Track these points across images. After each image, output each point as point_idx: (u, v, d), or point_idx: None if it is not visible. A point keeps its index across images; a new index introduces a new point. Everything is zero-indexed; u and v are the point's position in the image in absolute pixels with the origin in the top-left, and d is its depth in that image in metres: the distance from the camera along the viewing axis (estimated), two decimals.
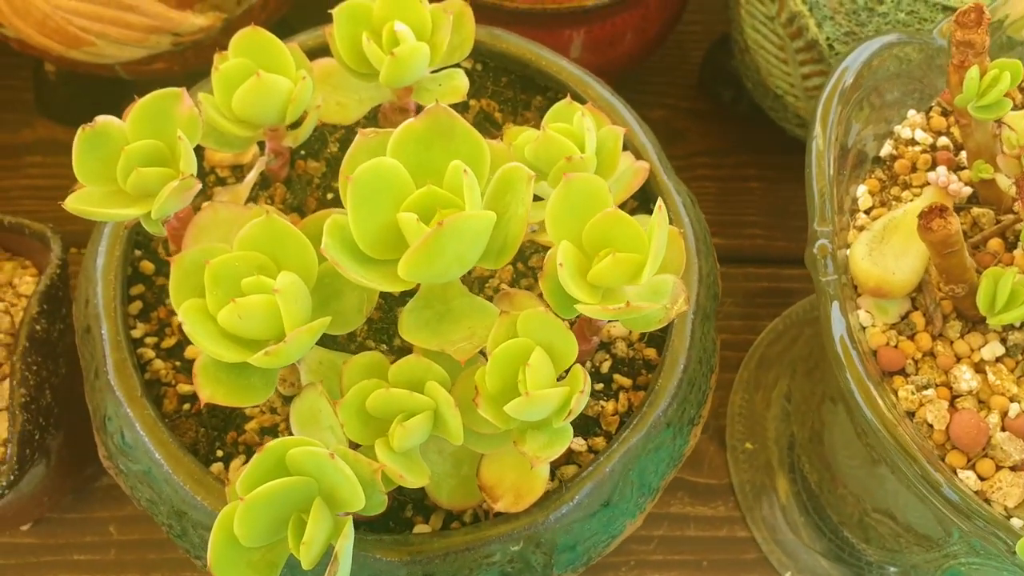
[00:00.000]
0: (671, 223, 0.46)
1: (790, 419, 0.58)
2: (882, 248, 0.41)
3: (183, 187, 0.39)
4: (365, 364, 0.38)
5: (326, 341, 0.43)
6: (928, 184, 0.43)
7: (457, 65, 0.48)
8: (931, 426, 0.39)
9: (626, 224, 0.36)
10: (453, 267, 0.36)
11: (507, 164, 0.38)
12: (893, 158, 0.46)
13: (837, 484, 0.50)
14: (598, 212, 0.37)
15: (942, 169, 0.44)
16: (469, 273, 0.47)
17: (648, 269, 0.36)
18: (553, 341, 0.36)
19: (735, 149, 0.73)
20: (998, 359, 0.40)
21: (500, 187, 0.38)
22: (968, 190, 0.43)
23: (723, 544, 0.59)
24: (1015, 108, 0.48)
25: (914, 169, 0.45)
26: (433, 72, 0.47)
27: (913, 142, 0.46)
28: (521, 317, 0.36)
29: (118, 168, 0.39)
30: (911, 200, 0.44)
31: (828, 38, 0.55)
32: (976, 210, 0.44)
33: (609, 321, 0.44)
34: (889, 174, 0.45)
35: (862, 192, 0.45)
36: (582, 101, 0.49)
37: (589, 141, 0.42)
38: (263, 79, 0.42)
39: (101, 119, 0.39)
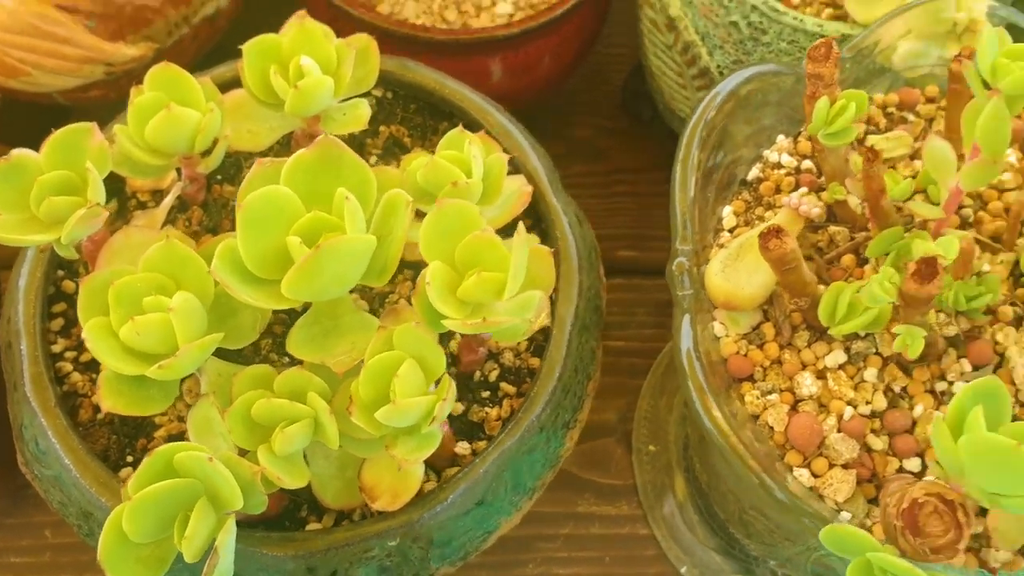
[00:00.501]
0: (557, 241, 0.50)
1: (686, 422, 0.62)
2: (736, 265, 0.45)
3: (90, 215, 0.42)
4: (253, 376, 0.41)
5: (231, 355, 0.47)
6: (783, 206, 0.47)
7: (367, 93, 0.52)
8: (772, 428, 0.43)
9: (492, 246, 0.40)
10: (332, 286, 0.40)
11: (390, 191, 0.42)
12: (759, 180, 0.49)
13: (720, 483, 0.54)
14: (469, 234, 0.41)
15: (795, 193, 0.47)
16: (371, 290, 0.51)
17: (510, 287, 0.39)
18: (424, 354, 0.40)
19: (653, 166, 0.77)
20: (840, 366, 0.44)
21: (385, 211, 0.42)
22: (818, 211, 0.47)
23: (625, 541, 0.62)
24: (879, 131, 0.52)
25: (778, 191, 0.49)
26: (342, 101, 0.51)
27: (779, 165, 0.50)
28: (396, 332, 0.40)
29: (31, 197, 0.42)
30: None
31: (719, 66, 0.59)
32: (833, 228, 0.48)
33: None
34: (755, 195, 0.49)
35: (727, 212, 0.48)
36: (479, 127, 0.53)
37: (476, 168, 0.45)
38: (173, 112, 0.45)
39: (16, 152, 0.43)
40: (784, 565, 0.54)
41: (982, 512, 0.40)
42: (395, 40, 0.61)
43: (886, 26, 0.51)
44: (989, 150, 0.41)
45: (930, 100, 0.53)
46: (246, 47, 0.48)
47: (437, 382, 0.40)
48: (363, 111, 0.50)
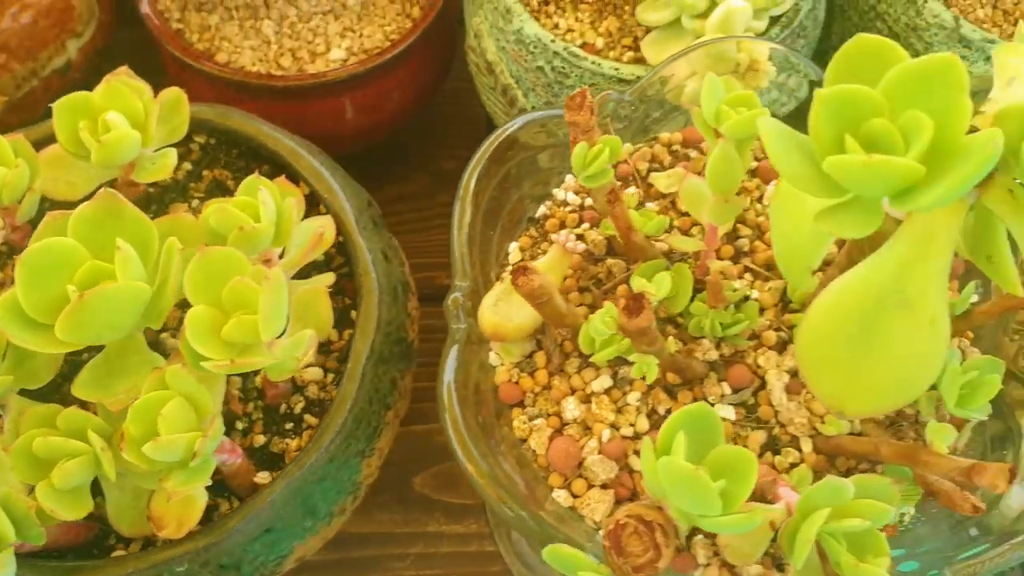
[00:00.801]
0: (360, 277, 0.53)
1: None
2: (508, 299, 0.47)
3: None
4: (40, 414, 0.44)
5: (43, 394, 0.49)
6: (553, 242, 0.50)
7: (188, 139, 0.55)
8: (535, 452, 0.46)
9: (250, 291, 0.43)
10: (106, 330, 0.43)
11: (167, 239, 0.45)
12: (546, 217, 0.53)
13: None
14: (233, 279, 0.43)
15: (564, 231, 0.50)
16: (177, 328, 0.53)
17: (263, 328, 0.42)
18: (192, 392, 0.43)
19: None
20: (606, 390, 0.47)
21: (164, 259, 0.45)
22: (584, 247, 0.50)
23: (472, 558, 0.65)
24: (663, 168, 0.55)
25: (563, 226, 0.52)
26: (156, 150, 0.53)
27: (565, 203, 0.53)
28: (167, 372, 0.43)
29: None
30: None
31: (533, 107, 0.62)
32: (611, 260, 0.51)
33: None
34: (541, 231, 0.52)
35: (514, 248, 0.51)
36: (292, 170, 0.56)
37: (265, 212, 0.48)
38: None
39: None
40: None
41: None
42: (234, 87, 0.64)
43: (671, 67, 0.54)
44: (719, 190, 0.44)
45: None
46: (56, 105, 0.51)
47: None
48: (170, 160, 0.53)
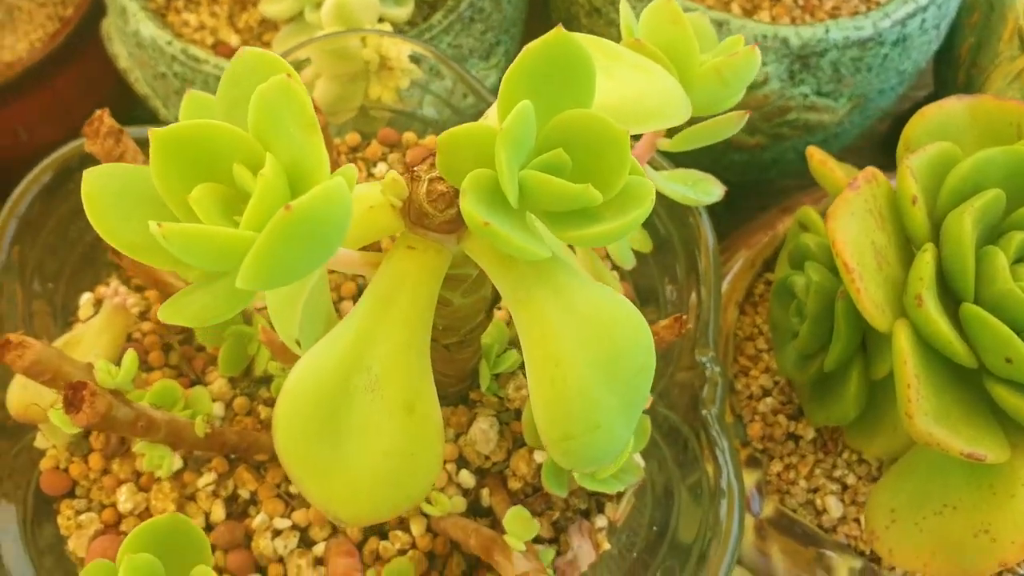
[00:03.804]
0: None
1: None
2: None
3: None
4: None
5: None
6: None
7: None
8: (77, 555, 0.38)
9: None
10: None
11: None
12: None
13: None
14: None
15: (115, 284, 0.43)
16: None
17: None
18: None
19: None
20: (175, 474, 0.39)
21: None
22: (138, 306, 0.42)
23: None
24: None
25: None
26: None
27: None
28: None
29: None
30: None
31: (176, 119, 0.53)
32: None
33: None
34: (125, 279, 0.44)
35: (86, 300, 0.43)
36: None
37: None
38: None
39: None
40: None
41: None
42: None
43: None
44: None
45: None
46: None
47: None
48: None
